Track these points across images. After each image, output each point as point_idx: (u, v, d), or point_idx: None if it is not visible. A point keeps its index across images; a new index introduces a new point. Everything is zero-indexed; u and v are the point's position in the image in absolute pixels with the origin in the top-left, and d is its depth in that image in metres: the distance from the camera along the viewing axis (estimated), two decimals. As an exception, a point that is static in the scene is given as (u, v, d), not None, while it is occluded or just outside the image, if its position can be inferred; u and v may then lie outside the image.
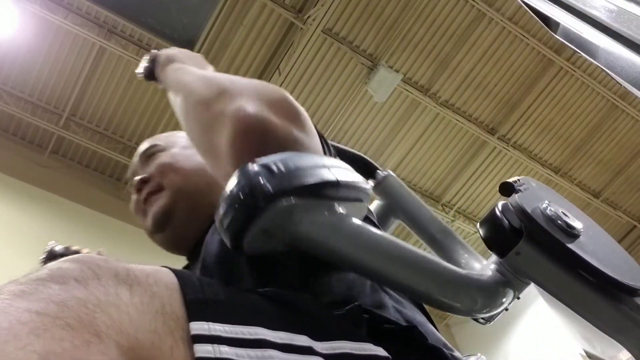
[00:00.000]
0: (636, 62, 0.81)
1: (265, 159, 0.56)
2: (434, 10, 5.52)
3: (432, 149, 6.35)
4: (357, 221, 0.59)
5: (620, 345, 0.57)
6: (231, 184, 0.55)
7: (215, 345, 0.45)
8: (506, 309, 0.62)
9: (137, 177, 0.96)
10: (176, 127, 0.80)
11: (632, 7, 0.88)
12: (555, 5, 1.01)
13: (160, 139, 1.03)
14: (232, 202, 0.54)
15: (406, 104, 6.05)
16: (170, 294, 0.48)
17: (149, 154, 0.99)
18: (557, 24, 1.01)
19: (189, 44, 5.20)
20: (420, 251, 0.59)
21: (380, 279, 0.62)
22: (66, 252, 1.12)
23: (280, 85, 5.38)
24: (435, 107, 6.01)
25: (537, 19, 1.07)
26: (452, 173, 6.57)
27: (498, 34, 5.73)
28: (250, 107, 0.63)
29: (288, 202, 0.54)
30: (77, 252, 1.10)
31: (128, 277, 0.47)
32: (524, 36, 5.71)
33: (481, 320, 0.68)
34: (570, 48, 0.97)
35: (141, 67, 0.95)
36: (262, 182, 0.53)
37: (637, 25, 0.84)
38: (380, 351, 0.52)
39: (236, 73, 5.54)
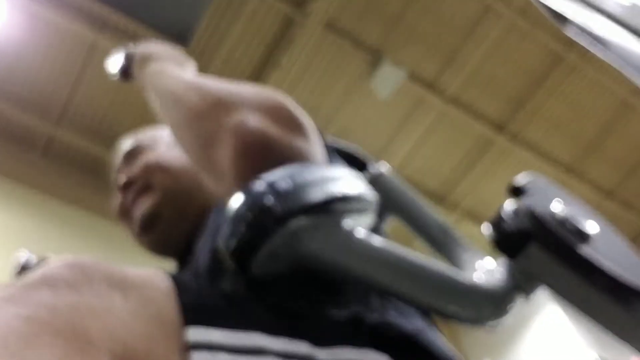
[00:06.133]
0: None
1: (270, 176, 0.55)
2: (440, 3, 5.40)
3: (438, 147, 6.24)
4: (364, 234, 0.59)
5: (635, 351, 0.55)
6: (235, 204, 0.54)
7: (213, 352, 0.44)
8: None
9: (123, 179, 0.96)
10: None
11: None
12: (567, -1, 1.02)
13: (144, 136, 1.04)
14: (237, 225, 0.53)
15: (411, 101, 5.93)
16: (166, 298, 0.48)
17: (134, 153, 1.00)
18: (568, 19, 1.00)
19: (184, 38, 5.19)
20: (428, 261, 0.58)
21: (387, 290, 0.61)
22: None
23: (281, 82, 5.35)
24: (441, 103, 5.90)
25: (548, 13, 1.05)
26: (459, 171, 6.45)
27: (507, 29, 5.60)
28: (251, 120, 0.63)
29: (297, 222, 0.53)
30: None
31: (122, 281, 0.47)
32: (534, 31, 5.57)
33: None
34: (582, 43, 0.97)
35: (115, 66, 0.93)
36: (269, 203, 0.53)
37: (650, 20, 0.87)
38: (383, 358, 0.52)
39: (234, 69, 5.50)
